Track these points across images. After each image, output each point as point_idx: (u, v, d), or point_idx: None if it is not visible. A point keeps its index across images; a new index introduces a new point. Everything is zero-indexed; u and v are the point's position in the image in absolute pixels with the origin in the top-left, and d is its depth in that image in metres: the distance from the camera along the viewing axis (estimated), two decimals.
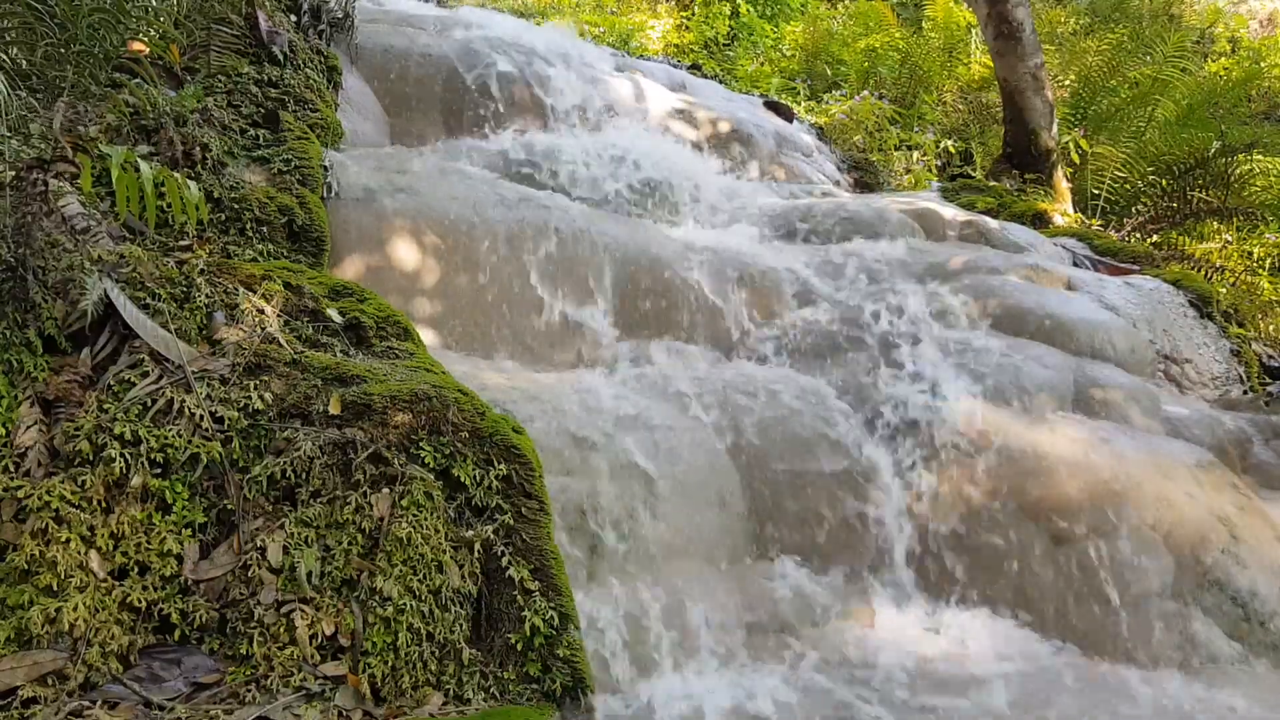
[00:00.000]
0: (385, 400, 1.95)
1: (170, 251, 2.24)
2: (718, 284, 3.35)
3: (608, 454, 2.35)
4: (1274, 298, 4.39)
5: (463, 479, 1.91)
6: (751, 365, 3.16)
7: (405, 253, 2.86)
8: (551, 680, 1.80)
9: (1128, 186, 5.38)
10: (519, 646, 1.82)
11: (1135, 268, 4.19)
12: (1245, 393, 3.49)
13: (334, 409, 1.93)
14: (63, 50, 2.01)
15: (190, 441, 1.81)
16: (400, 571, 1.78)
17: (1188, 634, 2.43)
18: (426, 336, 2.68)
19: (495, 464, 1.94)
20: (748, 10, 8.52)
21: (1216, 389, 3.49)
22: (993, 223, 4.28)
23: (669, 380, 2.90)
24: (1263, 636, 2.45)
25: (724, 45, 8.26)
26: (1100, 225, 5.19)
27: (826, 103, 6.72)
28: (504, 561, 1.87)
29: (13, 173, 1.91)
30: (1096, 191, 5.38)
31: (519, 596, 1.84)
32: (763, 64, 7.82)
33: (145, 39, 2.52)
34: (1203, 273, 4.58)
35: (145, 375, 1.89)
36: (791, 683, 2.09)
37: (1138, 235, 5.19)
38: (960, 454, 2.71)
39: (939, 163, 6.01)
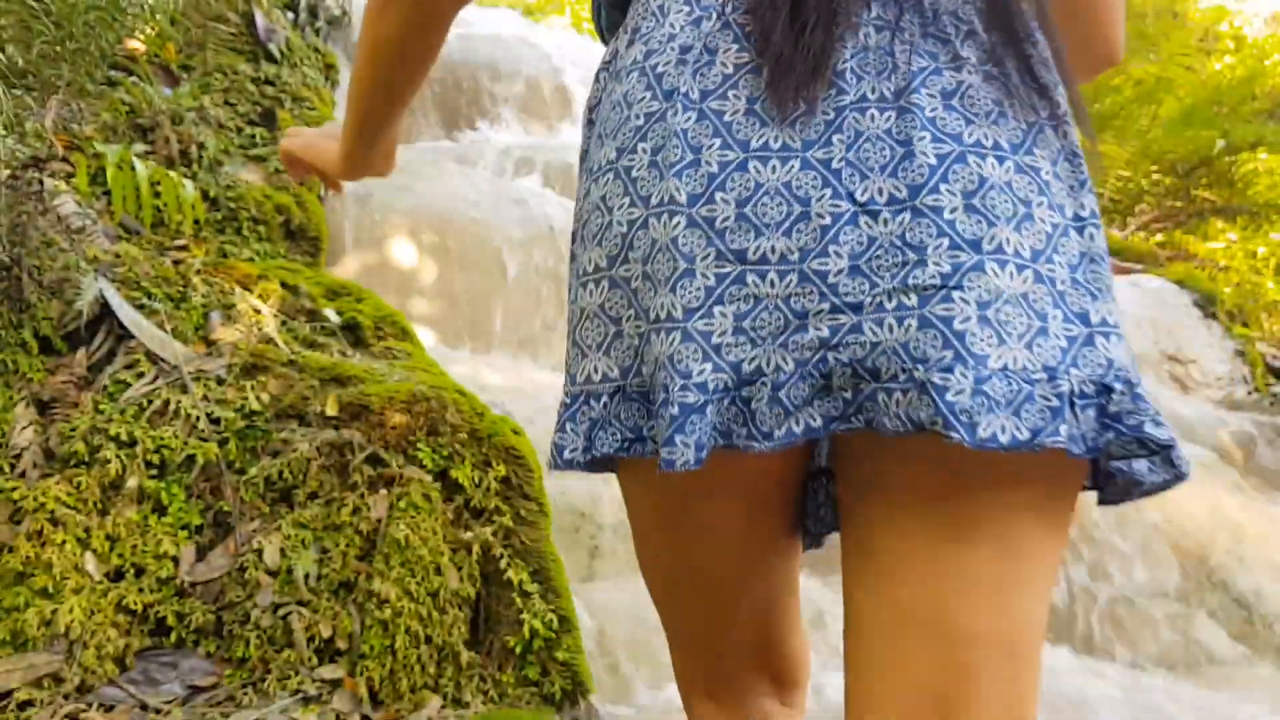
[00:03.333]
0: (383, 401, 1.93)
1: (166, 251, 2.22)
2: None
3: None
4: (1278, 297, 4.37)
5: (461, 480, 1.90)
6: None
7: (403, 252, 2.84)
8: (550, 683, 1.79)
9: (1131, 185, 5.37)
10: (518, 649, 1.80)
11: (1139, 267, 4.18)
12: (1250, 393, 3.47)
13: (331, 410, 1.92)
14: (58, 48, 2.00)
15: (186, 443, 1.80)
16: (398, 574, 1.77)
17: (1191, 636, 2.41)
18: (425, 336, 2.66)
19: (494, 465, 1.93)
20: None
21: (1221, 389, 3.47)
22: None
23: None
24: (1267, 638, 2.44)
25: None
26: (1104, 224, 5.18)
27: None
28: (503, 564, 1.85)
29: (8, 172, 1.90)
30: (1100, 190, 5.36)
31: (517, 599, 1.83)
32: None
33: (141, 37, 2.51)
34: (1207, 272, 4.56)
35: (141, 376, 1.88)
36: None
37: (1142, 234, 5.17)
38: None
39: None
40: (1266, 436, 3.08)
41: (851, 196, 0.60)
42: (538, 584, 1.85)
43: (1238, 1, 8.71)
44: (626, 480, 0.75)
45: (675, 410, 0.59)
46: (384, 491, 1.85)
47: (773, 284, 0.60)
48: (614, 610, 2.06)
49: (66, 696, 1.58)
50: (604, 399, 0.65)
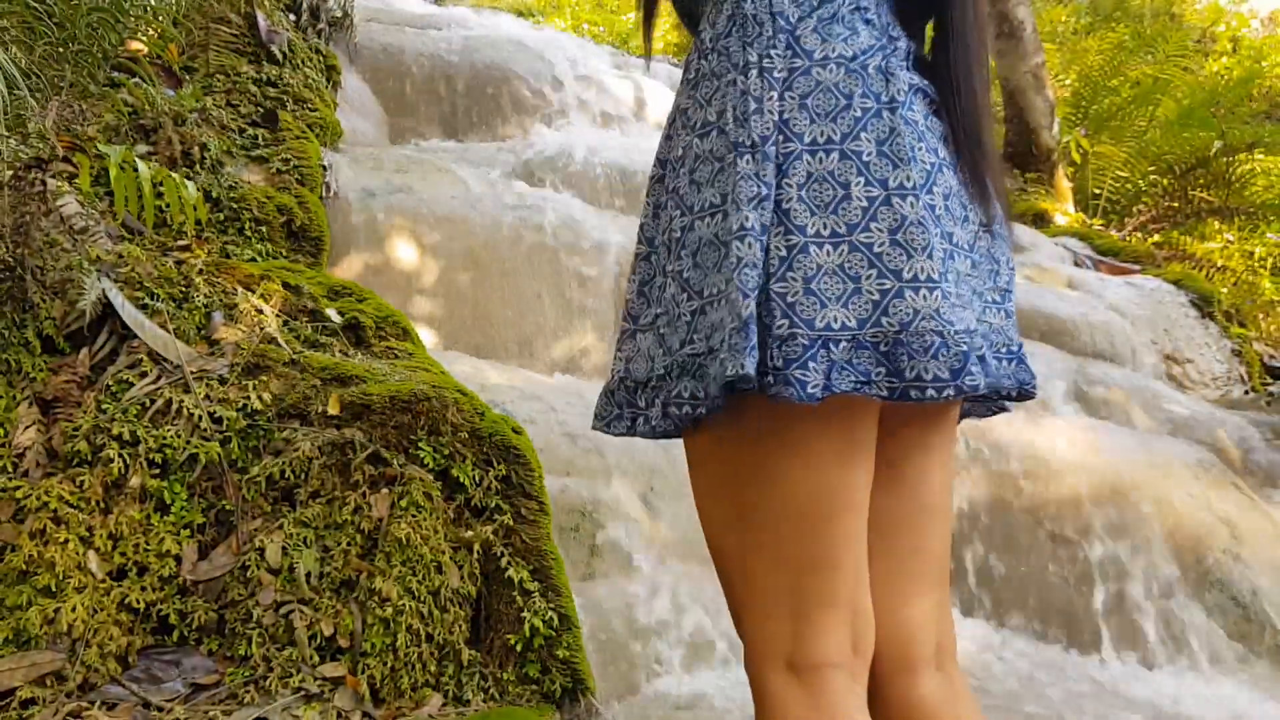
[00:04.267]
0: (384, 400, 1.94)
1: (169, 251, 2.23)
2: None
3: (608, 454, 2.35)
4: (1275, 297, 4.38)
5: (462, 479, 1.91)
6: None
7: (404, 252, 2.85)
8: (551, 681, 1.80)
9: (1129, 186, 5.37)
10: (518, 648, 1.81)
11: (1136, 267, 4.19)
12: (1246, 392, 3.49)
13: (333, 409, 1.92)
14: (61, 49, 2.01)
15: (189, 442, 1.81)
16: (399, 572, 1.77)
17: (1189, 634, 2.42)
18: (426, 336, 2.67)
19: (495, 464, 1.94)
20: None
21: (1218, 389, 3.48)
22: None
23: None
24: (1264, 636, 2.44)
25: None
26: (1101, 225, 5.19)
27: None
28: (503, 562, 1.86)
29: (11, 172, 1.91)
30: (1098, 191, 5.37)
31: (518, 597, 1.84)
32: None
33: (144, 38, 2.52)
34: (1204, 272, 4.57)
35: (144, 375, 1.88)
36: None
37: (1139, 235, 5.18)
38: (958, 454, 2.70)
39: None
40: (1263, 436, 3.09)
41: (975, 214, 0.87)
42: (538, 582, 1.86)
43: (1234, 3, 8.71)
44: (815, 422, 0.82)
45: (964, 348, 0.77)
46: (385, 490, 1.86)
47: (960, 262, 0.83)
48: (614, 609, 2.07)
49: (69, 695, 1.59)
50: (842, 344, 0.78)
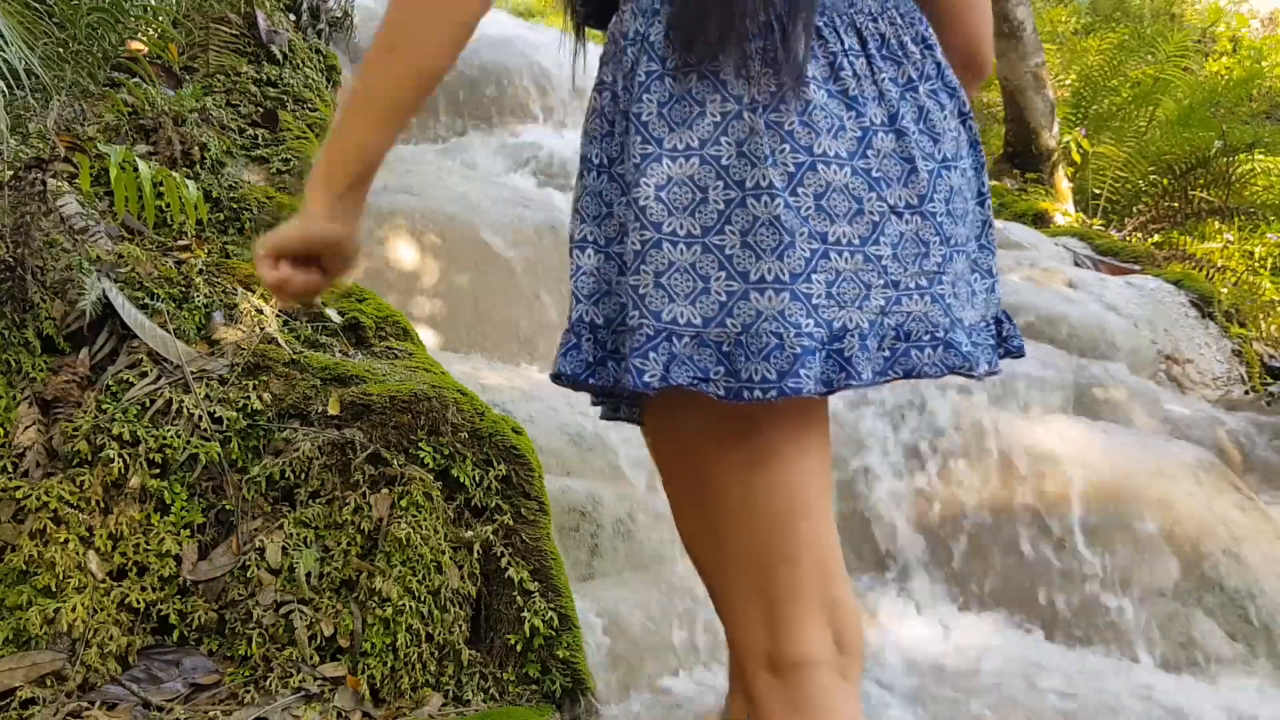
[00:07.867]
0: (384, 400, 1.94)
1: (169, 251, 2.23)
2: None
3: (608, 454, 2.35)
4: (1276, 297, 4.38)
5: (462, 479, 1.91)
6: None
7: (405, 252, 2.85)
8: (551, 681, 1.80)
9: (1129, 186, 5.37)
10: (518, 648, 1.81)
11: (1136, 267, 4.19)
12: (1247, 393, 3.49)
13: (333, 409, 1.92)
14: (61, 49, 2.01)
15: (189, 442, 1.81)
16: (399, 572, 1.78)
17: (1189, 635, 2.42)
18: (426, 336, 2.67)
19: (495, 464, 1.94)
20: None
21: (1218, 389, 3.48)
22: (994, 222, 4.27)
23: None
24: (1264, 637, 2.44)
25: None
26: (1101, 225, 5.18)
27: None
28: (503, 562, 1.86)
29: (11, 172, 1.91)
30: (1098, 191, 5.37)
31: (518, 597, 1.84)
32: None
33: (144, 38, 2.52)
34: (1204, 272, 4.57)
35: (144, 375, 1.88)
36: None
37: (1139, 235, 5.18)
38: (959, 454, 2.70)
39: None
40: (1264, 436, 3.09)
41: (885, 200, 0.81)
42: (538, 582, 1.86)
43: (1234, 3, 8.71)
44: (766, 419, 0.82)
45: (797, 350, 0.76)
46: (385, 490, 1.86)
47: (846, 260, 0.79)
48: (614, 608, 2.07)
49: (69, 695, 1.59)
50: (685, 339, 0.78)
